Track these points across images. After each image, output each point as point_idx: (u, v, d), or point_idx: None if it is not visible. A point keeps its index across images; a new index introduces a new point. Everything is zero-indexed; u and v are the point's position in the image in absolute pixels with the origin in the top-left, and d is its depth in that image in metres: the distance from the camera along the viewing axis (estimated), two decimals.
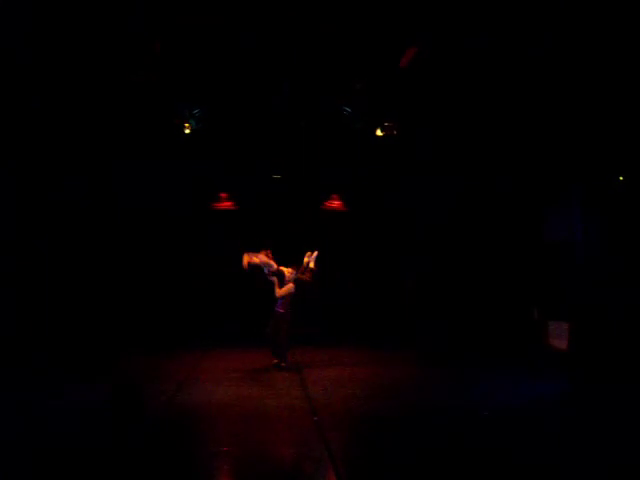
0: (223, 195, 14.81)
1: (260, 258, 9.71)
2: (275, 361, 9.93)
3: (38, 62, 8.66)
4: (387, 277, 15.12)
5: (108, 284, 13.26)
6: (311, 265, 9.97)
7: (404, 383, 8.95)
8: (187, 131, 11.26)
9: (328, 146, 13.01)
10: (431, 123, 11.57)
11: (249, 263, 9.70)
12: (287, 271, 9.84)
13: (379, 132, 11.65)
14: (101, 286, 13.10)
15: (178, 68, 9.51)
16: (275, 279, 9.83)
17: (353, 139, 12.40)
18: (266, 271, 9.85)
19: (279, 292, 9.74)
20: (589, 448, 5.77)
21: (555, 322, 11.23)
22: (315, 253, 10.02)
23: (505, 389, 8.44)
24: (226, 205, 14.86)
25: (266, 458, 5.57)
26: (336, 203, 15.16)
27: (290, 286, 9.78)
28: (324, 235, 15.04)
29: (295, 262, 10.11)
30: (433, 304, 13.89)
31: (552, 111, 9.66)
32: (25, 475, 5.03)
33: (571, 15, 7.48)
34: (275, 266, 9.79)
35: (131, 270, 13.88)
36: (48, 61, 8.69)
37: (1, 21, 7.42)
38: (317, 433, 6.24)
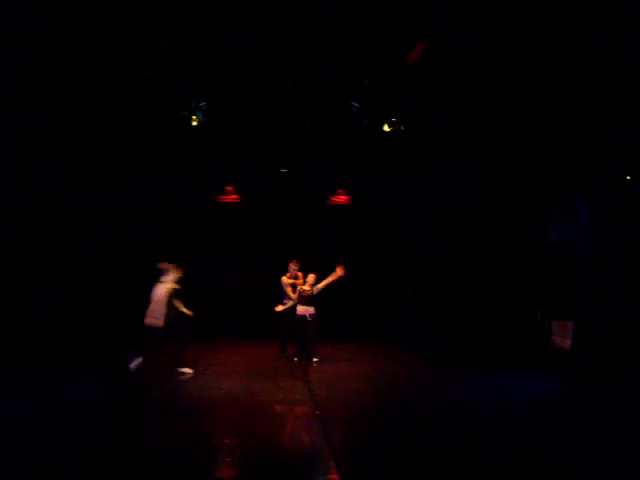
0: (229, 188, 14.82)
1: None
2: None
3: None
4: (389, 275, 15.12)
5: (108, 278, 13.28)
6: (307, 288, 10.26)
7: (405, 381, 8.96)
8: (194, 124, 11.26)
9: (335, 141, 13.00)
10: (440, 121, 11.55)
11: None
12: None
13: (386, 127, 11.63)
14: (101, 281, 13.12)
15: (184, 65, 9.53)
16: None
17: (359, 134, 12.38)
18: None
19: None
20: (591, 448, 5.77)
21: (559, 322, 11.21)
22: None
23: (508, 388, 8.43)
24: (232, 199, 14.87)
25: (268, 451, 5.60)
26: (342, 198, 15.15)
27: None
28: (330, 230, 15.10)
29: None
30: (435, 303, 13.88)
31: (558, 111, 9.62)
32: (25, 475, 5.04)
33: (574, 17, 7.46)
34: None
35: (132, 264, 13.89)
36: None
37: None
38: (319, 427, 6.26)
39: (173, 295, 8.96)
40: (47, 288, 11.53)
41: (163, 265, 9.08)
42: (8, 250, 10.62)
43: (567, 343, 10.51)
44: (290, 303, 10.34)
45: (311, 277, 10.22)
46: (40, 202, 11.44)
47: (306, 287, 10.18)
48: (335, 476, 4.96)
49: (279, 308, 10.43)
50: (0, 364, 9.34)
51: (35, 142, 10.75)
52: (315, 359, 10.14)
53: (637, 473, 5.13)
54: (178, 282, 9.11)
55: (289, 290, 10.44)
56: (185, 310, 9.10)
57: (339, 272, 9.96)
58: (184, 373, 9.00)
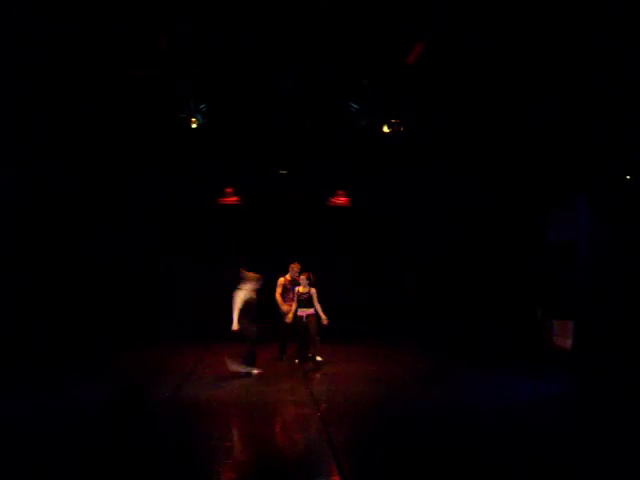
0: (229, 190, 14.81)
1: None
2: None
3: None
4: (389, 275, 15.12)
5: (108, 279, 13.27)
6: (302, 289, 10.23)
7: (405, 381, 8.95)
8: (193, 126, 11.27)
9: (334, 142, 13.01)
10: (440, 121, 11.55)
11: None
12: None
13: (386, 129, 11.63)
14: (101, 281, 13.11)
15: (184, 65, 9.54)
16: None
17: (359, 135, 12.39)
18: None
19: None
20: (591, 448, 5.77)
21: (559, 321, 11.21)
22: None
23: (508, 388, 8.43)
24: (232, 200, 14.86)
25: (269, 453, 5.59)
26: (342, 199, 15.14)
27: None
28: (330, 231, 15.09)
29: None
30: (436, 303, 13.88)
31: (558, 111, 9.63)
32: (25, 475, 5.03)
33: (574, 17, 7.47)
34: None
35: (132, 265, 13.90)
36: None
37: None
38: (320, 429, 6.26)
39: (248, 302, 9.17)
40: (46, 288, 11.51)
41: (244, 273, 9.32)
42: (8, 250, 10.60)
43: (567, 343, 10.51)
44: (294, 306, 10.23)
45: (302, 278, 10.18)
46: (40, 202, 11.43)
47: (301, 289, 10.15)
48: (336, 477, 4.95)
49: (290, 318, 10.20)
50: (0, 364, 9.34)
51: (35, 142, 10.75)
52: (319, 358, 10.12)
53: (637, 473, 5.13)
54: (255, 290, 9.32)
55: (278, 291, 10.36)
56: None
57: (323, 318, 9.98)
58: (250, 374, 9.13)
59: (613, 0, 7.18)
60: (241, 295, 9.15)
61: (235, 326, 9.00)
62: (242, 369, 9.14)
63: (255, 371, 9.20)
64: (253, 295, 9.30)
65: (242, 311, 9.06)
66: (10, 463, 5.24)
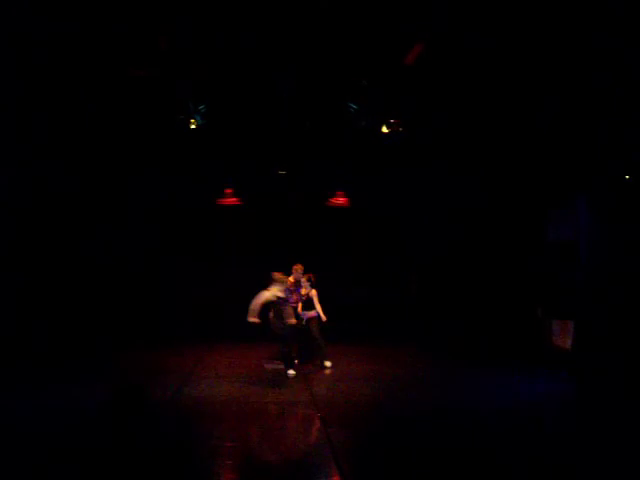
0: (228, 191, 14.79)
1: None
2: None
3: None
4: (389, 275, 15.11)
5: (108, 279, 13.27)
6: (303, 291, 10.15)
7: (406, 381, 8.96)
8: (192, 127, 11.26)
9: (334, 142, 13.00)
10: (440, 121, 11.54)
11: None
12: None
13: (385, 129, 11.62)
14: (101, 281, 13.11)
15: (184, 65, 9.54)
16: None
17: (359, 135, 12.38)
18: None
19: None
20: (591, 448, 5.77)
21: (559, 321, 11.20)
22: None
23: (508, 388, 8.43)
24: (231, 201, 14.85)
25: (269, 454, 5.59)
26: (342, 199, 15.12)
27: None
28: (330, 231, 15.09)
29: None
30: (436, 303, 13.87)
31: (558, 112, 9.63)
32: (25, 475, 5.03)
33: (574, 17, 7.46)
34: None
35: (132, 265, 13.89)
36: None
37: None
38: (320, 429, 6.27)
39: (276, 302, 9.19)
40: (46, 288, 11.51)
41: (275, 275, 9.32)
42: (8, 250, 10.60)
43: (567, 343, 10.51)
44: (300, 305, 10.19)
45: (302, 279, 10.11)
46: (40, 202, 11.43)
47: (302, 290, 10.10)
48: (336, 477, 4.96)
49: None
50: (0, 364, 9.34)
51: (35, 142, 10.74)
52: (328, 363, 10.02)
53: (637, 473, 5.13)
54: (282, 291, 9.32)
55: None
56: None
57: (323, 319, 9.97)
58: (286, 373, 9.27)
59: (613, 0, 7.18)
60: (266, 294, 9.10)
61: (250, 318, 8.93)
62: (281, 367, 9.30)
63: (291, 371, 9.26)
64: (280, 295, 9.28)
65: (272, 312, 9.14)
66: (10, 463, 5.23)
